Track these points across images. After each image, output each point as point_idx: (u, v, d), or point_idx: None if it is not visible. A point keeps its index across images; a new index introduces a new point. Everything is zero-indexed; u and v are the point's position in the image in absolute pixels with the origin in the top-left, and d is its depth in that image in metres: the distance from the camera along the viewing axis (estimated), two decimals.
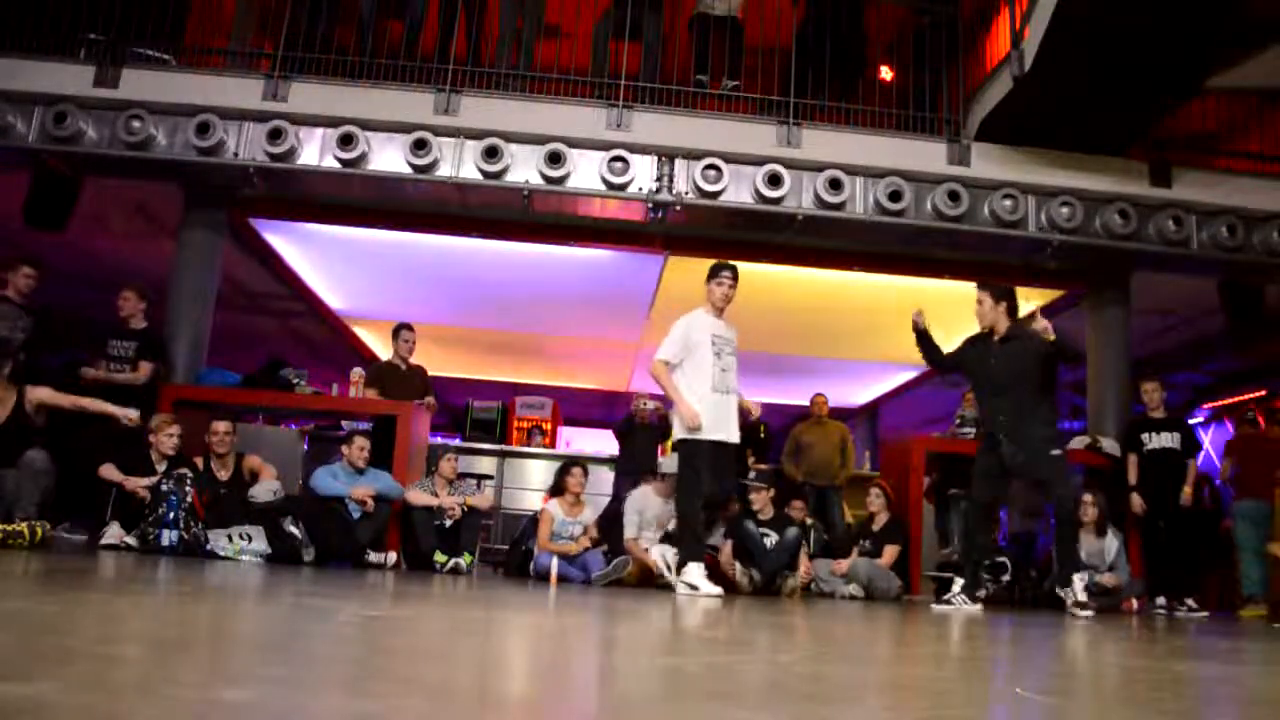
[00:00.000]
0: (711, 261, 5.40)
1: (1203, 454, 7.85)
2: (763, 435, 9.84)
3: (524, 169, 6.39)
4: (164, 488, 5.29)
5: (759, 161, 6.47)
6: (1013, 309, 5.27)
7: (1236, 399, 10.46)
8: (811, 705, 1.63)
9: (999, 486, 5.32)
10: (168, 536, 5.19)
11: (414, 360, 6.98)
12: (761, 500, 6.05)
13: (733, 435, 5.13)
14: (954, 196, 6.50)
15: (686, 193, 6.45)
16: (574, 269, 8.28)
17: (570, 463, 6.22)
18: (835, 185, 6.46)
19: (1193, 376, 10.42)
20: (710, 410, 5.03)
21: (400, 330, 6.93)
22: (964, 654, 2.99)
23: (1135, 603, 6.09)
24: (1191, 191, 6.75)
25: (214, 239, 6.92)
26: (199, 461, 5.66)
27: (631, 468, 7.12)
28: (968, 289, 7.94)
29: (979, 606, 5.05)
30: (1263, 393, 9.89)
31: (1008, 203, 6.57)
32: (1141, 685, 2.34)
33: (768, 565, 5.72)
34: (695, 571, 4.94)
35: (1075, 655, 3.07)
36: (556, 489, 6.15)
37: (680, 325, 5.21)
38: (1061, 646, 3.37)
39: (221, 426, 5.67)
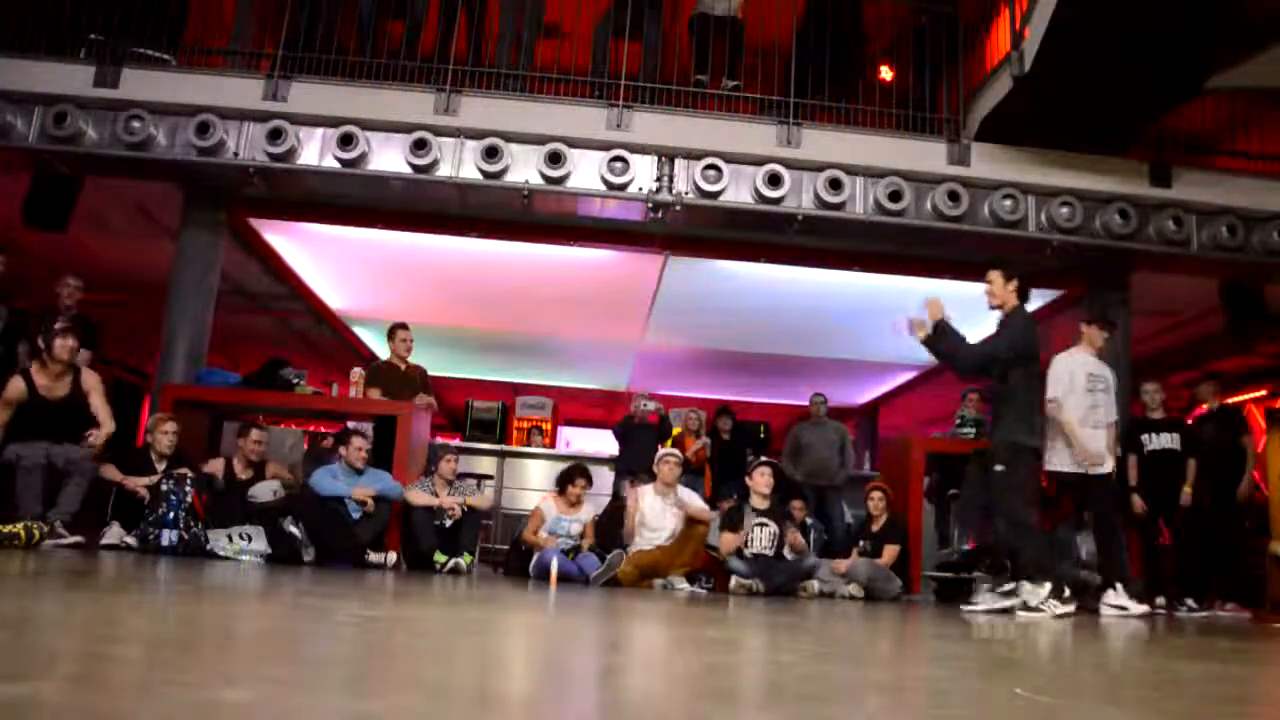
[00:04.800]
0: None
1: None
2: (762, 435, 9.85)
3: (524, 169, 6.39)
4: (164, 488, 5.30)
5: (759, 161, 6.46)
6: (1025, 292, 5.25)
7: (1236, 399, 10.45)
8: (811, 705, 1.63)
9: None
10: (168, 536, 5.20)
11: (412, 360, 6.97)
12: (762, 481, 6.03)
13: None
14: (954, 196, 6.49)
15: (686, 193, 6.45)
16: (574, 269, 8.27)
17: (577, 471, 6.16)
18: (835, 185, 6.45)
19: (1193, 376, 10.40)
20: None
21: (396, 330, 6.90)
22: (964, 654, 2.99)
23: None
24: (1191, 191, 6.74)
25: (214, 239, 6.91)
26: (222, 461, 5.91)
27: (631, 468, 7.15)
28: (967, 288, 8.00)
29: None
30: (1263, 392, 9.88)
31: (1008, 203, 6.56)
32: (1141, 685, 2.34)
33: (776, 582, 5.71)
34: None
35: (1075, 655, 3.07)
36: (559, 490, 6.15)
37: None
38: (1061, 646, 3.37)
39: (258, 435, 5.99)
